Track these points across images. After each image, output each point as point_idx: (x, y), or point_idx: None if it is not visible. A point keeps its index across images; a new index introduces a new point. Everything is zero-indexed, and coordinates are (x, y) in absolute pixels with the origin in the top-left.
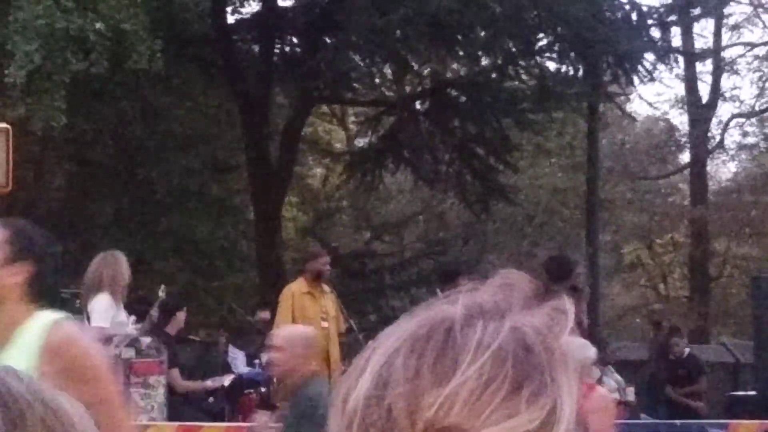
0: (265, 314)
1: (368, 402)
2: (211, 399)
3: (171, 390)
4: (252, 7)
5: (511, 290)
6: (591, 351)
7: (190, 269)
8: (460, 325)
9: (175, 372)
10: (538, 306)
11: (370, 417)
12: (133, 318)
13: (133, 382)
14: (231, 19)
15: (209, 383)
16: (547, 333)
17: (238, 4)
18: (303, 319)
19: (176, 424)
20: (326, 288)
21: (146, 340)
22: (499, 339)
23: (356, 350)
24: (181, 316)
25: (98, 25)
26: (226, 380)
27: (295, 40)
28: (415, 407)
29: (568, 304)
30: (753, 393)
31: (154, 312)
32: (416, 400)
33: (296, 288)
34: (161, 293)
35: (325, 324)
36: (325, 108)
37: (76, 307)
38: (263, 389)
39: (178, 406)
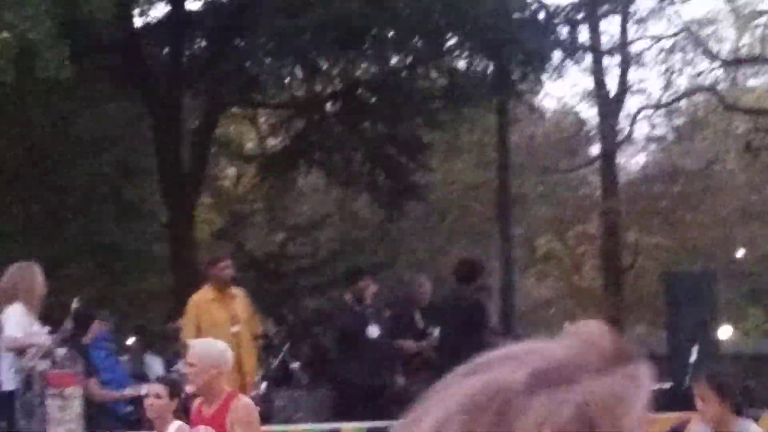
0: (181, 320)
1: None
2: (128, 408)
3: (88, 400)
4: (159, 11)
5: (588, 346)
6: None
7: (104, 274)
8: (521, 395)
9: (93, 382)
10: (610, 371)
11: None
12: (47, 328)
13: (49, 393)
14: (139, 23)
15: (127, 391)
16: (616, 407)
17: (145, 8)
18: (211, 327)
19: None
20: (237, 292)
21: (61, 352)
22: (563, 415)
23: (272, 353)
24: (96, 326)
25: (4, 34)
26: (143, 389)
27: (204, 43)
28: None
29: (643, 371)
30: (668, 385)
31: (68, 323)
32: None
33: (202, 296)
34: (74, 304)
35: (234, 329)
36: (236, 109)
37: None
38: (182, 395)
39: (96, 416)
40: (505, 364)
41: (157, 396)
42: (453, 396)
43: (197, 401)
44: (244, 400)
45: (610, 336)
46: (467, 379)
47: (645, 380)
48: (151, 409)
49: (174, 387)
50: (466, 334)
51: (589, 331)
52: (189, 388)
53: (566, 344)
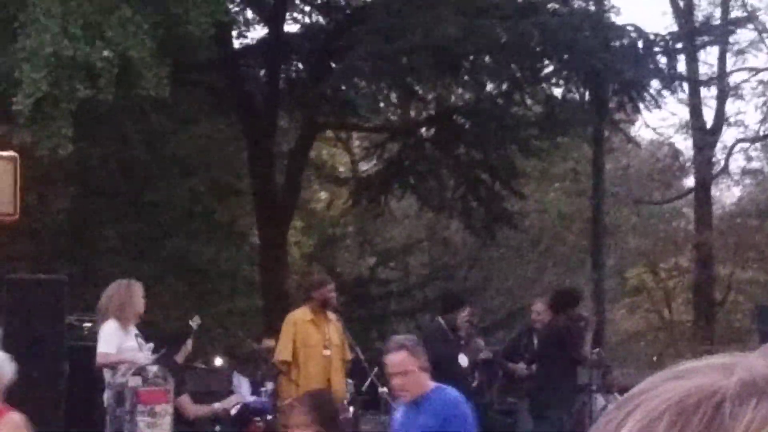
0: (270, 342)
1: None
2: (217, 428)
3: (178, 418)
4: (258, 32)
5: None
6: None
7: (194, 294)
8: (732, 401)
9: (186, 398)
10: None
11: None
12: (150, 345)
13: (139, 410)
14: (237, 44)
15: (217, 405)
16: None
17: (243, 29)
18: (305, 347)
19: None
20: (332, 316)
21: (153, 369)
22: None
23: (362, 377)
24: (189, 344)
25: (105, 53)
26: (233, 402)
27: (300, 65)
28: None
29: None
30: None
31: (189, 343)
32: None
33: (299, 316)
34: (194, 323)
35: (327, 352)
36: (330, 133)
37: (84, 334)
38: (269, 417)
39: None
40: (711, 371)
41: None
42: (659, 398)
43: None
44: (13, 417)
45: None
46: (672, 383)
47: None
48: None
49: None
50: (553, 361)
51: None
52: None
53: (766, 359)
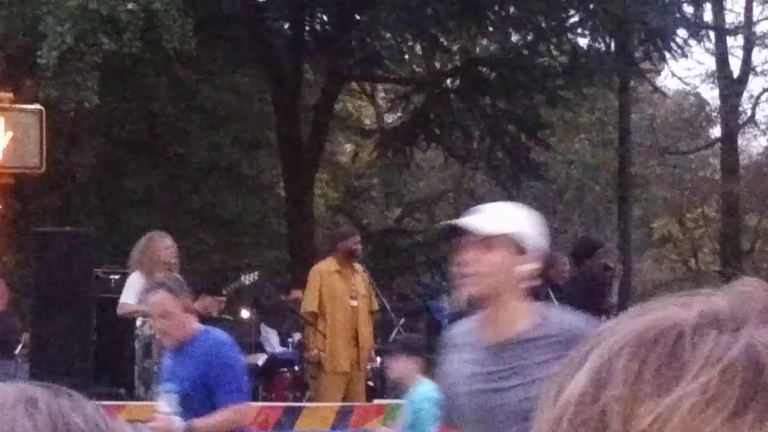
0: (296, 293)
1: (582, 399)
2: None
3: None
4: None
5: (748, 300)
6: None
7: (221, 247)
8: (692, 333)
9: None
10: None
11: (582, 415)
12: None
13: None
14: None
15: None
16: None
17: None
18: (331, 298)
19: None
20: (358, 267)
21: None
22: (731, 354)
23: (389, 329)
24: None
25: (130, 6)
26: (260, 359)
27: (325, 17)
28: (630, 414)
29: None
30: None
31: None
32: (633, 406)
33: (325, 267)
34: (247, 279)
35: (354, 303)
36: (354, 85)
37: (112, 286)
38: (296, 368)
39: None
40: (670, 306)
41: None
42: (620, 333)
43: None
44: None
45: None
46: (635, 318)
47: None
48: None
49: (411, 347)
50: (584, 309)
51: (747, 286)
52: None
53: (727, 296)
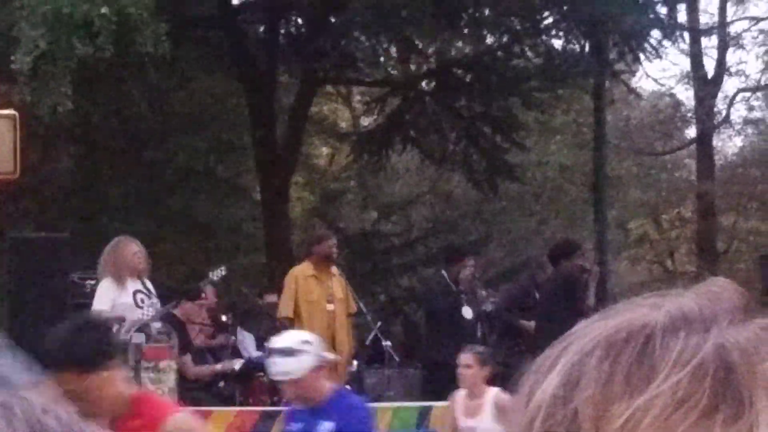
0: (272, 297)
1: (554, 401)
2: (221, 383)
3: (182, 374)
4: None
5: (718, 300)
6: None
7: (198, 251)
8: (662, 333)
9: (187, 358)
10: (746, 321)
11: (554, 417)
12: (153, 301)
13: (143, 366)
14: (236, 0)
15: (219, 367)
16: (752, 353)
17: None
18: (307, 302)
19: (187, 408)
20: (334, 270)
21: (156, 325)
22: (701, 354)
23: (365, 332)
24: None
25: (103, 10)
26: (237, 364)
27: (300, 20)
28: (602, 414)
29: None
30: None
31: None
32: (605, 407)
33: (300, 271)
34: (215, 275)
35: (330, 307)
36: (330, 88)
37: (87, 291)
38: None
39: (189, 390)
40: (639, 307)
41: (468, 366)
42: (591, 334)
43: None
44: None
45: (738, 291)
46: (605, 320)
47: None
48: (463, 378)
49: (482, 356)
50: (556, 312)
51: (717, 286)
52: None
53: (696, 296)
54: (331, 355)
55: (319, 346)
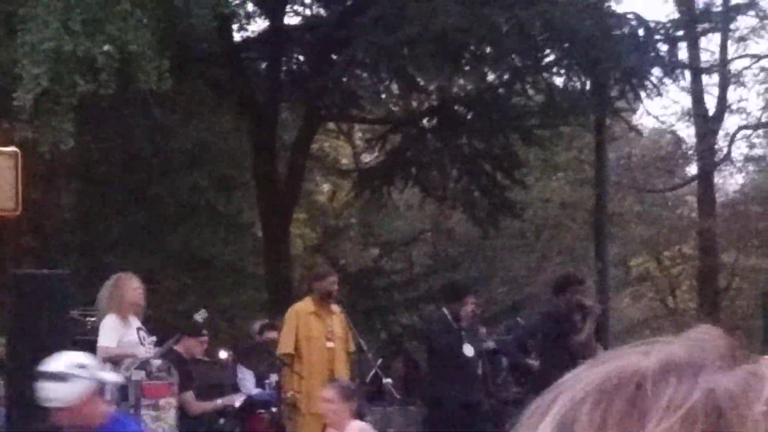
0: (272, 334)
1: None
2: (222, 420)
3: (182, 412)
4: (258, 25)
5: (705, 346)
6: None
7: (199, 287)
8: (652, 380)
9: (190, 395)
10: (733, 367)
11: None
12: (153, 338)
13: (143, 404)
14: (238, 37)
15: (220, 402)
16: (741, 398)
17: (244, 22)
18: (307, 340)
19: None
20: (335, 308)
21: (157, 363)
22: (692, 400)
23: (366, 370)
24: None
25: (106, 47)
26: (237, 400)
27: (302, 57)
28: None
29: (765, 369)
30: None
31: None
32: None
33: (302, 308)
34: (200, 317)
35: (330, 344)
36: (331, 124)
37: (88, 328)
38: (274, 410)
39: (190, 428)
40: (629, 355)
41: (328, 400)
42: (584, 381)
43: None
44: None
45: (725, 338)
46: (593, 369)
47: (766, 377)
48: (325, 414)
49: (345, 390)
50: (549, 345)
51: (704, 333)
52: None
53: (684, 343)
54: (112, 376)
55: (97, 368)
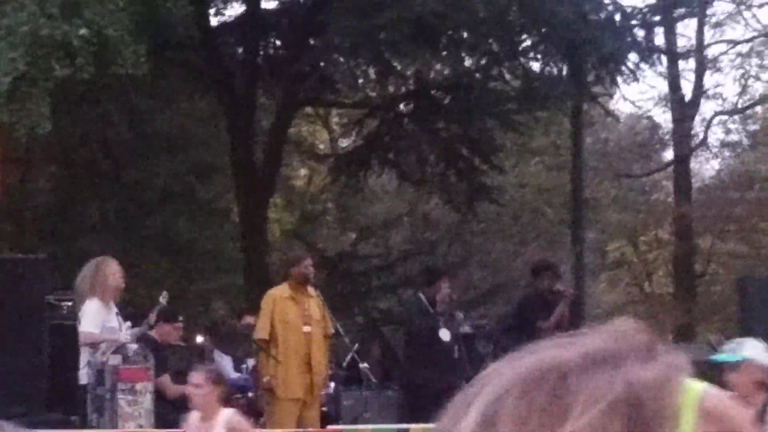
0: (250, 319)
1: None
2: None
3: (159, 396)
4: (235, 9)
5: (625, 340)
6: None
7: (177, 272)
8: (575, 372)
9: (166, 378)
10: (652, 359)
11: None
12: (128, 324)
13: (120, 388)
14: (214, 22)
15: None
16: (660, 389)
17: (221, 7)
18: (283, 324)
19: (164, 431)
20: (312, 292)
21: (133, 347)
22: (613, 391)
23: (342, 354)
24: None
25: (82, 31)
26: None
27: (278, 42)
28: None
29: (683, 360)
30: None
31: (152, 318)
32: None
33: (278, 293)
34: (162, 300)
35: (307, 328)
36: (308, 109)
37: (64, 313)
38: (250, 394)
39: (166, 412)
40: (550, 348)
41: (197, 385)
42: (507, 374)
43: None
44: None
45: (645, 330)
46: (519, 361)
47: (685, 369)
48: (193, 399)
49: (214, 375)
50: (516, 329)
51: (624, 326)
52: None
53: (605, 337)
54: None
55: None
